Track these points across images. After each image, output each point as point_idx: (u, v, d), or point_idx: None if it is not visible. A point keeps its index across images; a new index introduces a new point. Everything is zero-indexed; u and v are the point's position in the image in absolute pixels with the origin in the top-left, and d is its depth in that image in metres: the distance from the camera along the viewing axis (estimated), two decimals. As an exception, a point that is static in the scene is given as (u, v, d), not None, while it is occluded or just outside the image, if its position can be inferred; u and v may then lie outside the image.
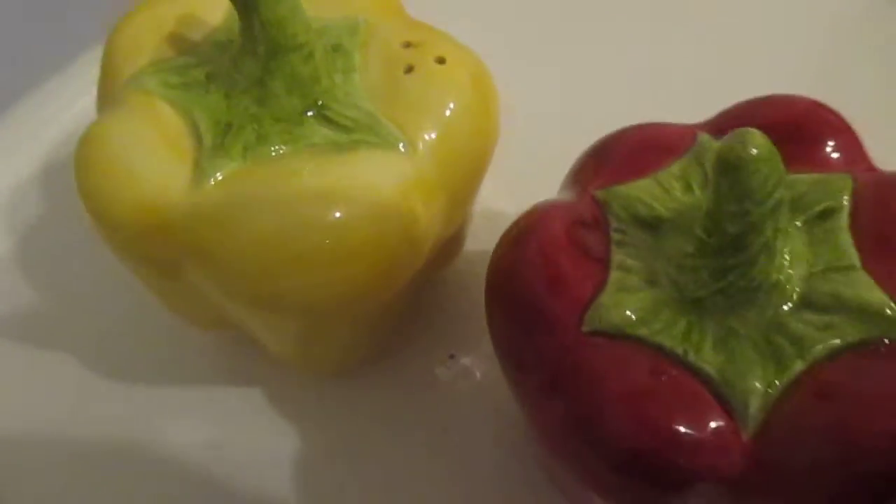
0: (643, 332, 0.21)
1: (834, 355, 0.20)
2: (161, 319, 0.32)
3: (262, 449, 0.30)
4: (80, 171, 0.24)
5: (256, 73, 0.24)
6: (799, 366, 0.19)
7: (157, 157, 0.24)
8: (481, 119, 0.26)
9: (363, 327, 0.28)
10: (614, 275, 0.22)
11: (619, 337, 0.21)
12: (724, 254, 0.20)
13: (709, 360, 0.20)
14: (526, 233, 0.22)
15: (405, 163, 0.25)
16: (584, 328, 0.21)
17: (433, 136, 0.25)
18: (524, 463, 0.29)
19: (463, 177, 0.27)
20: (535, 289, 0.21)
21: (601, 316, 0.21)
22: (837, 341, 0.20)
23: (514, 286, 0.22)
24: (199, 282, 0.25)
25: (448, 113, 0.26)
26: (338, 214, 0.23)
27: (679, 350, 0.20)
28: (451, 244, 0.31)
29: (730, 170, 0.18)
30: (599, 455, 0.20)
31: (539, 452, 0.26)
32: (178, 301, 0.29)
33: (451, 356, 0.32)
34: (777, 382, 0.19)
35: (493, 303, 0.23)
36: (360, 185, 0.24)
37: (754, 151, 0.18)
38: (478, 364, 0.32)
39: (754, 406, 0.19)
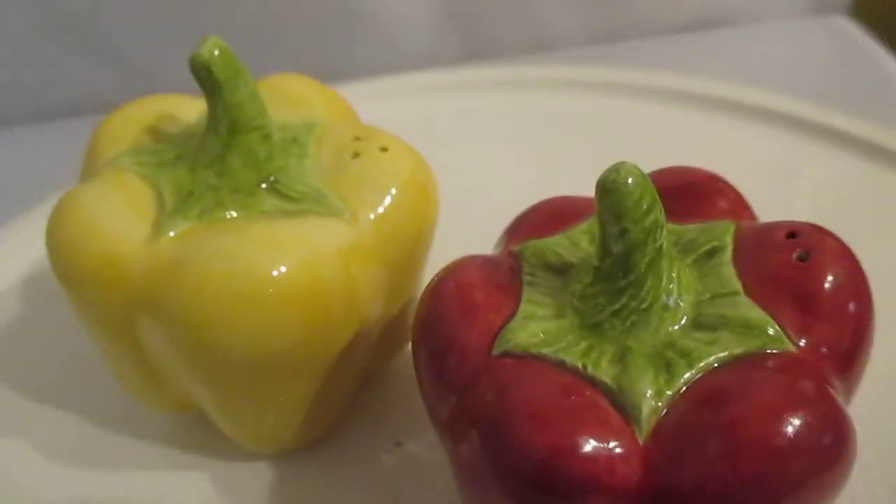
0: (546, 350, 0.22)
1: (720, 365, 0.21)
2: (120, 407, 0.34)
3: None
4: (50, 227, 0.27)
5: (218, 149, 0.28)
6: (688, 374, 0.21)
7: (120, 216, 0.26)
8: (419, 199, 0.29)
9: (311, 399, 0.29)
10: (523, 307, 0.23)
11: (526, 357, 0.22)
12: (615, 276, 0.22)
13: (606, 372, 0.21)
14: (445, 276, 0.25)
15: (347, 230, 0.27)
16: (494, 352, 0.23)
17: (375, 210, 0.28)
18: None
19: (403, 252, 0.29)
20: (449, 320, 0.23)
21: (509, 339, 0.23)
22: (724, 353, 0.21)
23: (432, 321, 0.24)
24: (151, 339, 0.27)
25: (389, 191, 0.29)
26: (280, 264, 0.25)
27: (579, 364, 0.22)
28: (396, 330, 0.33)
29: (607, 194, 0.21)
30: (510, 470, 0.21)
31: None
32: (134, 375, 0.30)
33: (398, 443, 0.33)
34: (668, 390, 0.21)
35: (416, 343, 0.25)
36: (303, 242, 0.26)
37: (628, 177, 0.21)
38: (424, 451, 0.33)
39: (646, 410, 0.20)
